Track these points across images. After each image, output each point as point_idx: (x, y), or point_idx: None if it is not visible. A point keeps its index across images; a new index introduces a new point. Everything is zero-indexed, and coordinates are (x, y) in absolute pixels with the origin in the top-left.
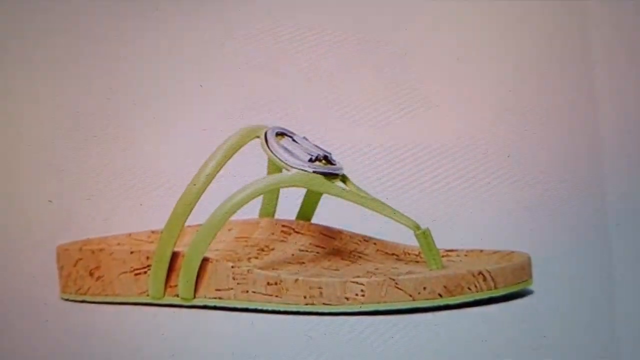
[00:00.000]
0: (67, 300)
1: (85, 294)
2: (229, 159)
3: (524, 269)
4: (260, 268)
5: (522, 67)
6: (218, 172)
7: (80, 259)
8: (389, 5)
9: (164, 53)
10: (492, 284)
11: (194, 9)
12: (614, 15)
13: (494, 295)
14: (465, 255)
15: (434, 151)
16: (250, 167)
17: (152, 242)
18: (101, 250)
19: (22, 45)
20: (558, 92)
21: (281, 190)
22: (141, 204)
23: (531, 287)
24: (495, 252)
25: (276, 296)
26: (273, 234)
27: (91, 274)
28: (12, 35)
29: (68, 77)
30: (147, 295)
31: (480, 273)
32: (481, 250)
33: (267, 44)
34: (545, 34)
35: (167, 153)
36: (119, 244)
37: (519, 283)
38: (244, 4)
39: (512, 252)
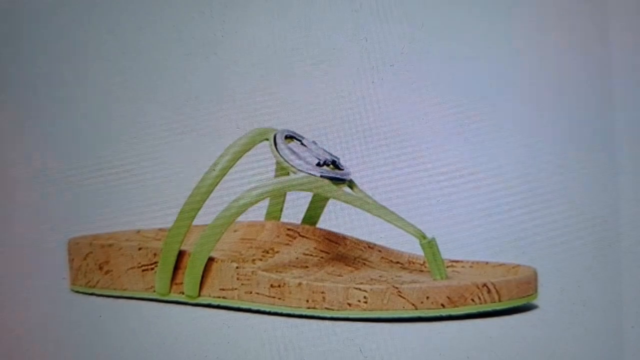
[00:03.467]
0: (76, 292)
1: (94, 287)
2: (238, 160)
3: (530, 283)
4: (264, 270)
5: (535, 88)
6: (226, 173)
7: (90, 253)
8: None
9: (175, 45)
10: (496, 297)
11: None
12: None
13: (497, 308)
14: (471, 267)
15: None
16: (258, 169)
17: (159, 239)
18: (110, 245)
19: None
20: (571, 101)
21: (288, 194)
22: (151, 202)
23: (536, 302)
24: (501, 265)
25: (279, 299)
26: (278, 237)
27: (100, 268)
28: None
29: (77, 70)
30: (154, 291)
31: (484, 285)
32: (487, 262)
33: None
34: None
35: (177, 155)
36: (127, 240)
37: (524, 297)
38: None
39: (518, 265)
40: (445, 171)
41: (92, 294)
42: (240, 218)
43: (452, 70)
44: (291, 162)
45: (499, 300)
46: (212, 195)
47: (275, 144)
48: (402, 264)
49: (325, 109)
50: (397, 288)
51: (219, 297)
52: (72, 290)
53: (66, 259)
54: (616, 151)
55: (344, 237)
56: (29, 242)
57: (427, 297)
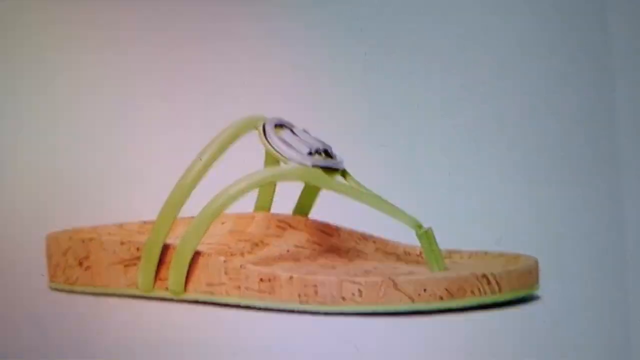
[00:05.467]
0: (55, 289)
1: (73, 283)
2: (225, 150)
3: (531, 273)
4: (254, 264)
5: (536, 79)
6: (213, 163)
7: (70, 248)
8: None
9: (160, 46)
10: (496, 288)
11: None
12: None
13: (498, 300)
14: (469, 257)
15: (440, 148)
16: (246, 159)
17: (143, 233)
18: (91, 239)
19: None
20: (573, 95)
21: (278, 184)
22: (133, 194)
23: (537, 293)
24: (501, 255)
25: (269, 293)
26: (268, 228)
27: (80, 264)
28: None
29: (59, 68)
30: (137, 288)
31: (484, 276)
32: (486, 253)
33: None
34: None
35: (161, 143)
36: (109, 234)
37: (524, 288)
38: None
39: (519, 255)
40: (442, 159)
41: (71, 292)
42: (229, 210)
43: (448, 52)
44: (281, 152)
45: (500, 292)
46: (198, 186)
47: (265, 133)
48: (398, 255)
49: (316, 94)
50: (393, 280)
51: (206, 293)
52: (51, 288)
53: (44, 254)
54: (618, 139)
55: (337, 228)
56: (3, 237)
57: (425, 290)
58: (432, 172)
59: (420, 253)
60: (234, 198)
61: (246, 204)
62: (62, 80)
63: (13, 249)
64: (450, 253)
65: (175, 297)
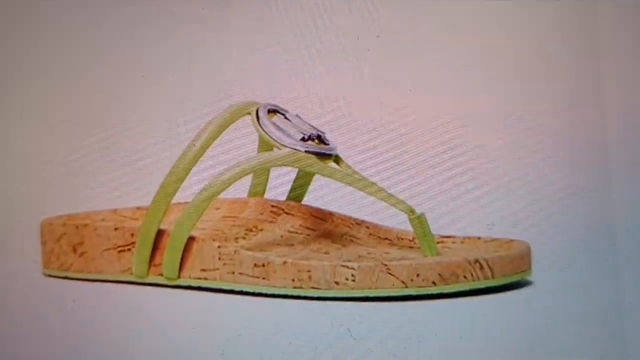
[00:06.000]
0: (49, 276)
1: (67, 269)
2: (219, 136)
3: (523, 259)
4: (248, 249)
5: (527, 64)
6: (207, 148)
7: (64, 234)
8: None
9: (158, 30)
10: (489, 273)
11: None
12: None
13: (490, 285)
14: (462, 242)
15: (433, 135)
16: (240, 145)
17: (137, 218)
18: (85, 225)
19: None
20: (565, 88)
21: (272, 170)
22: (127, 180)
23: (530, 278)
24: (493, 240)
25: (263, 278)
26: (262, 214)
27: (74, 250)
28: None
29: (55, 55)
30: (131, 274)
31: (477, 261)
32: (479, 238)
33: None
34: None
35: (155, 129)
36: (103, 219)
37: (517, 273)
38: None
39: (511, 240)
40: (435, 145)
41: (65, 278)
42: (223, 195)
43: (444, 42)
44: (275, 137)
45: (492, 277)
46: (192, 171)
47: (258, 118)
48: (390, 240)
49: (311, 83)
50: (386, 265)
51: (200, 278)
52: (45, 274)
53: (38, 240)
54: (610, 131)
55: (331, 214)
56: None
57: (418, 275)
58: (425, 157)
59: (413, 238)
60: (227, 183)
61: (240, 189)
62: (57, 66)
63: (5, 236)
64: (443, 238)
65: (169, 283)
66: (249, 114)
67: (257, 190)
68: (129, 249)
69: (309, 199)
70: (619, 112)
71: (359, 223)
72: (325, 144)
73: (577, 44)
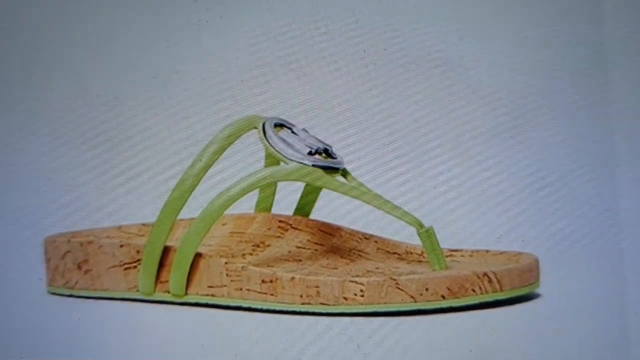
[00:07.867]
0: (54, 294)
1: (72, 288)
2: (225, 150)
3: (532, 271)
4: (255, 265)
5: (530, 67)
6: (213, 164)
7: (69, 252)
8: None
9: (163, 48)
10: (497, 286)
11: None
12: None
13: (499, 298)
14: (470, 256)
15: (442, 147)
16: (246, 159)
17: (142, 235)
18: (90, 242)
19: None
20: (571, 91)
21: (279, 184)
22: (132, 196)
23: (538, 291)
24: (501, 253)
25: (271, 295)
26: (269, 229)
27: (79, 267)
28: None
29: (63, 65)
30: (137, 291)
31: (485, 274)
32: (487, 251)
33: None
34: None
35: (162, 144)
36: (108, 236)
37: (526, 286)
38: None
39: (520, 253)
40: (443, 159)
41: (70, 296)
42: (229, 210)
43: (451, 50)
44: (281, 152)
45: (501, 290)
46: (198, 187)
47: (265, 133)
48: (399, 254)
49: (317, 95)
50: (394, 280)
51: (207, 295)
52: (49, 292)
53: (42, 258)
54: (615, 138)
55: (339, 228)
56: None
57: (427, 289)
58: (433, 170)
59: (422, 252)
60: (234, 199)
61: (247, 204)
62: (58, 78)
63: (10, 253)
64: (452, 252)
65: (176, 300)
66: (255, 128)
67: (264, 205)
68: (135, 266)
69: (316, 214)
70: (625, 119)
71: (367, 237)
72: (333, 157)
73: (583, 59)
